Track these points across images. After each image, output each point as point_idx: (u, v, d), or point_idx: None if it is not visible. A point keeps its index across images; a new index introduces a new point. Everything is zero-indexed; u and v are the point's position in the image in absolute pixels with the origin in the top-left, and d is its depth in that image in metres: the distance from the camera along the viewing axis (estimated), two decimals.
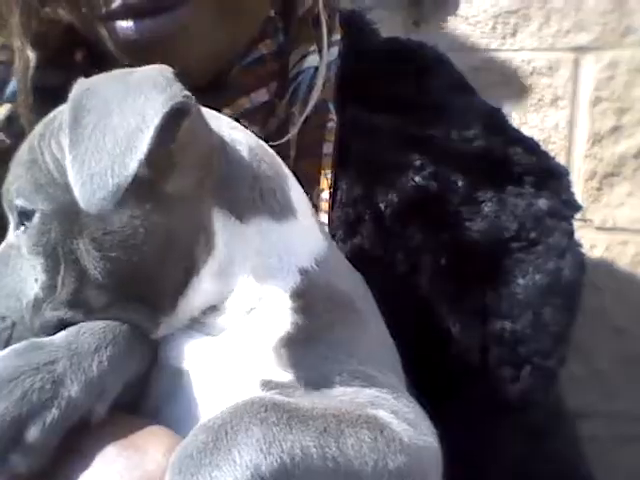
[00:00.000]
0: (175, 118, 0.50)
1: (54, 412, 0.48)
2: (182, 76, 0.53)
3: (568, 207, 0.77)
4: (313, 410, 0.48)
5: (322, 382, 0.53)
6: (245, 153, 0.58)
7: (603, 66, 1.21)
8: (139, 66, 0.55)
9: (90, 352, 0.52)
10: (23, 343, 0.52)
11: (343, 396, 0.52)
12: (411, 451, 0.50)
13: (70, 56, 0.79)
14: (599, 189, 1.23)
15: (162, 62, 0.55)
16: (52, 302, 0.55)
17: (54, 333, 0.54)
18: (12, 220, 0.59)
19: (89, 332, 0.53)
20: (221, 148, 0.57)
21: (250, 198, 0.56)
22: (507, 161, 0.77)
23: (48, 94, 0.75)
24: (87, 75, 0.57)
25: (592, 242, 1.21)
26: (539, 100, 1.24)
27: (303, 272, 0.56)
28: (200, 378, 0.56)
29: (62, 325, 0.55)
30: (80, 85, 0.53)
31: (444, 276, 0.72)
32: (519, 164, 0.78)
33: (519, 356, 0.72)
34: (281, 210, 0.57)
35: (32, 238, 0.55)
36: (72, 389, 0.49)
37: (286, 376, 0.54)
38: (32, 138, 0.58)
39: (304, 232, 0.59)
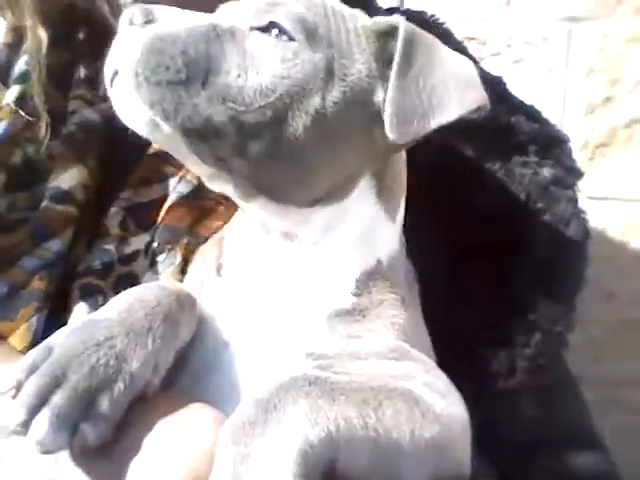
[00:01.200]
0: None
1: (120, 385, 0.51)
2: None
3: (571, 174, 0.79)
4: (353, 383, 0.51)
5: (362, 355, 0.56)
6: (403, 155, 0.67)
7: (596, 36, 1.22)
8: None
9: (145, 330, 0.54)
10: (80, 321, 0.55)
11: (379, 368, 0.54)
12: (443, 421, 0.52)
13: (72, 35, 0.79)
14: (591, 159, 1.24)
15: None
16: (221, 107, 0.54)
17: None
18: (246, 18, 0.58)
19: (141, 307, 0.55)
20: None
21: (387, 189, 0.64)
22: (511, 130, 0.78)
23: (54, 73, 0.75)
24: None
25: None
26: (533, 70, 1.25)
27: (377, 261, 0.63)
28: (243, 348, 0.59)
29: (193, 122, 0.54)
30: (413, 29, 0.60)
31: (455, 247, 0.73)
32: (523, 132, 0.79)
33: (529, 322, 0.74)
34: (392, 212, 0.65)
35: (273, 58, 0.56)
36: (133, 364, 0.52)
37: (330, 347, 0.57)
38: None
39: (394, 234, 0.66)
